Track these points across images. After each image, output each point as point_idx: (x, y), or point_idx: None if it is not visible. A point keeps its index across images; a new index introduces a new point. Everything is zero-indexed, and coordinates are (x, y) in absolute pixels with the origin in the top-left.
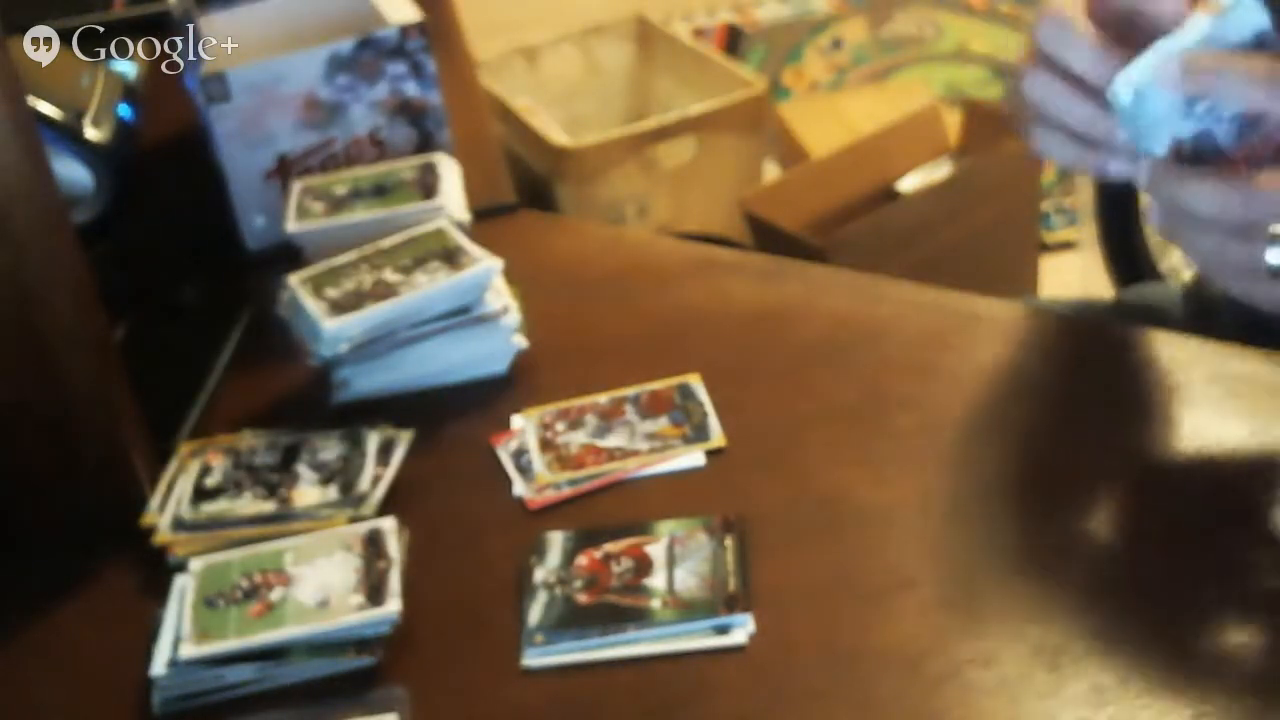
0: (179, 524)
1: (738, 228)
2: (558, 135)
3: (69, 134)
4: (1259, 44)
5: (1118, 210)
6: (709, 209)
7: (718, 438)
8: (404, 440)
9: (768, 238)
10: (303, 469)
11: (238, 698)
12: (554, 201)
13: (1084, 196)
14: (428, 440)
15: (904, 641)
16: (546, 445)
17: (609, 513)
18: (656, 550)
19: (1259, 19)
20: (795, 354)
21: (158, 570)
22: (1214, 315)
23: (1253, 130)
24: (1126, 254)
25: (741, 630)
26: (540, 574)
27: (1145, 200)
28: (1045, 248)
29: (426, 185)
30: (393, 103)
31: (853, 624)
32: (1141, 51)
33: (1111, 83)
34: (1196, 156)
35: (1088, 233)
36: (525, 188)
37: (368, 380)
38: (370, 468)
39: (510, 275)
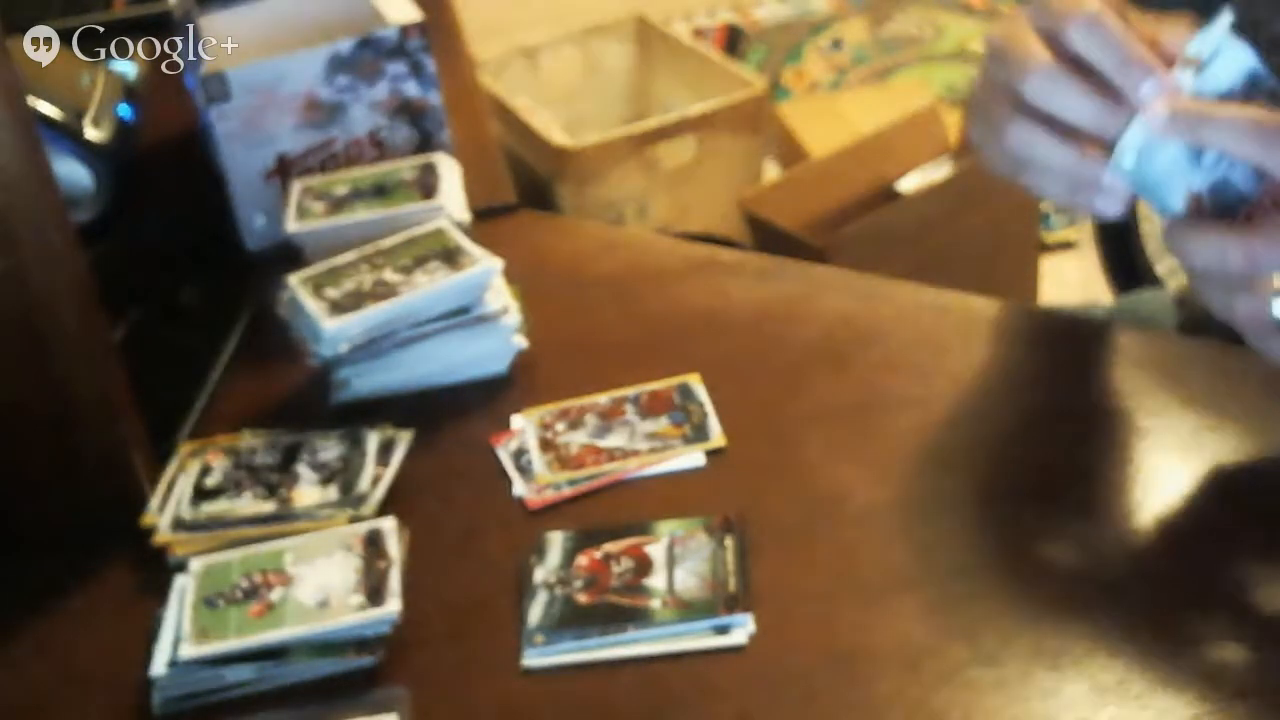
0: (179, 524)
1: (738, 228)
2: (558, 135)
3: (69, 134)
4: (1252, 83)
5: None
6: (709, 209)
7: (718, 438)
8: (404, 440)
9: (768, 238)
10: (303, 469)
11: (238, 698)
12: (554, 201)
13: None
14: (428, 440)
15: (904, 641)
16: (546, 445)
17: (609, 513)
18: (656, 550)
19: (1245, 59)
20: (795, 354)
21: (158, 570)
22: (1204, 324)
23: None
24: (1124, 258)
25: (741, 630)
26: (540, 574)
27: (1142, 207)
28: (1045, 248)
29: (426, 185)
30: (393, 103)
31: (853, 624)
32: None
33: (1108, 129)
34: (1220, 207)
35: (1087, 233)
36: (525, 188)
37: (368, 380)
38: (370, 468)
39: (510, 275)
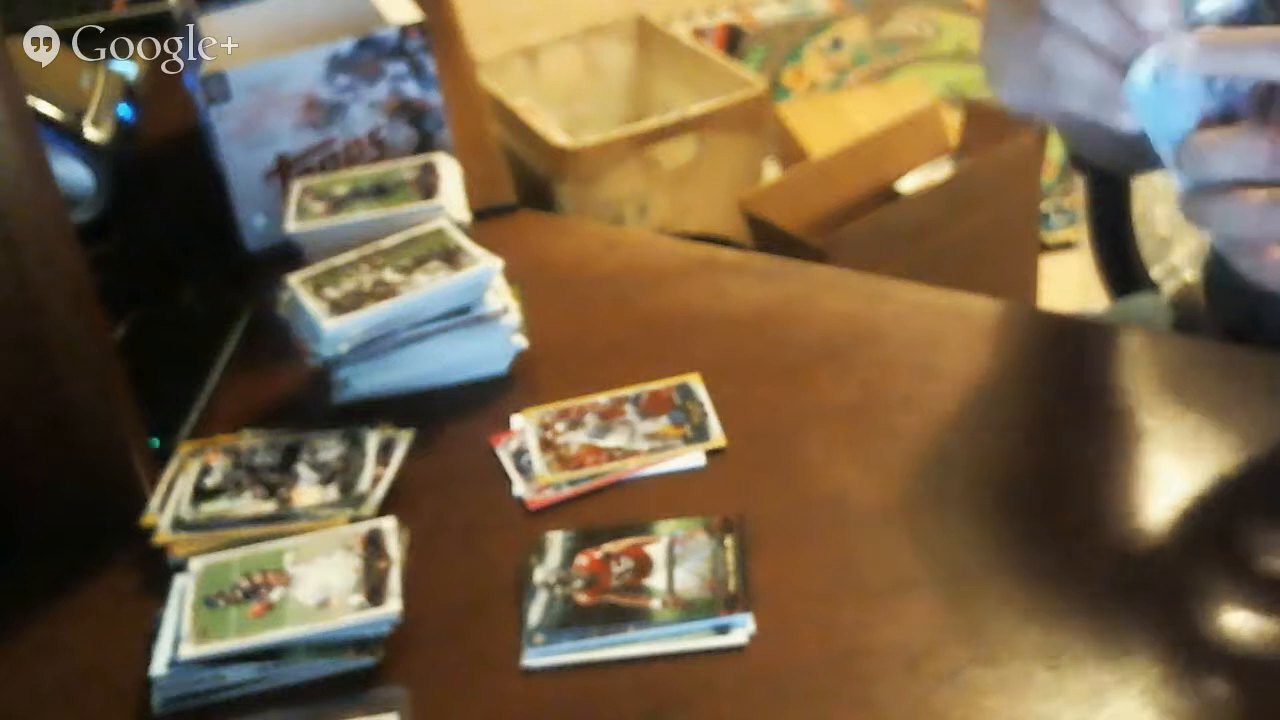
0: (179, 524)
1: (738, 228)
2: (558, 135)
3: (69, 134)
4: (1253, 6)
5: (1109, 218)
6: (709, 209)
7: (718, 438)
8: (404, 440)
9: (768, 238)
10: (303, 469)
11: (238, 698)
12: (554, 201)
13: (1083, 196)
14: (428, 440)
15: (904, 641)
16: (546, 445)
17: (609, 513)
18: (656, 550)
19: None
20: (795, 354)
21: (158, 570)
22: (1197, 325)
23: (1273, 102)
24: (1120, 261)
25: (741, 630)
26: (540, 574)
27: (1140, 205)
28: (1045, 248)
29: (426, 185)
30: (393, 103)
31: (853, 624)
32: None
33: (1126, 49)
34: None
35: (1087, 232)
36: (525, 188)
37: (368, 380)
38: (370, 468)
39: (510, 275)
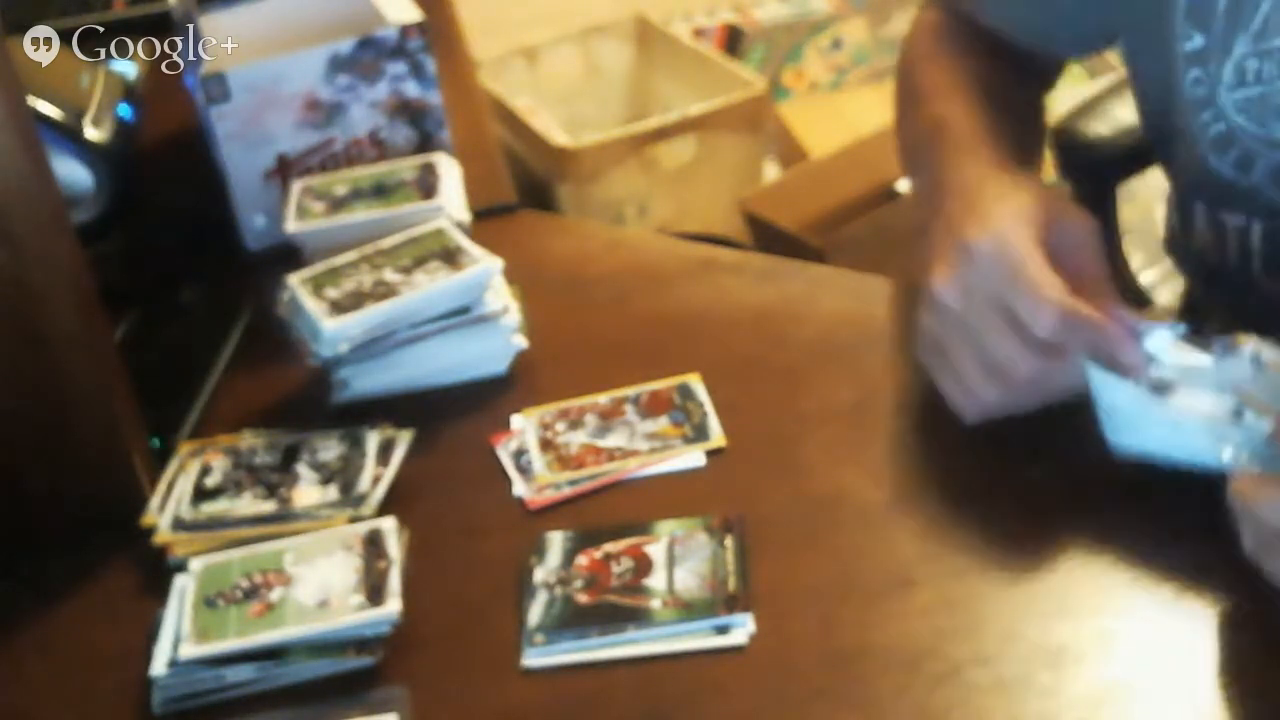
0: (179, 524)
1: (738, 228)
2: (558, 135)
3: (69, 134)
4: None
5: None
6: (709, 209)
7: (718, 438)
8: (404, 440)
9: (768, 238)
10: (303, 469)
11: (238, 698)
12: (554, 201)
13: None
14: (428, 440)
15: (904, 641)
16: (546, 445)
17: (609, 513)
18: (656, 550)
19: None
20: (795, 354)
21: (158, 570)
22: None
23: None
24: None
25: (741, 630)
26: (540, 574)
27: (1142, 208)
28: None
29: (426, 185)
30: (393, 103)
31: (853, 624)
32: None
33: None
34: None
35: None
36: (525, 188)
37: (368, 380)
38: (370, 468)
39: (510, 275)
